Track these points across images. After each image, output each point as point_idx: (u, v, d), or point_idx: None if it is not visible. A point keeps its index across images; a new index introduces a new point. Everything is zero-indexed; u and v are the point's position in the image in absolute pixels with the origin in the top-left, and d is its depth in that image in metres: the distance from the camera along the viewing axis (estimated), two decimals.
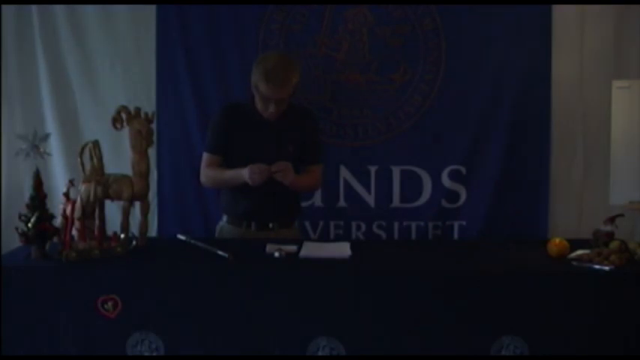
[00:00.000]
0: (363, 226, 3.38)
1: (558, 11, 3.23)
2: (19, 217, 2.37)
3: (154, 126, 2.60)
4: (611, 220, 2.53)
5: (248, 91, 3.31)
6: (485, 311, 2.18)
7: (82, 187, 2.45)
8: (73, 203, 2.42)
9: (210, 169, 2.88)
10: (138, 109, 2.51)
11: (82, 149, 2.45)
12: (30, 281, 2.23)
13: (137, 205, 2.58)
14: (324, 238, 3.33)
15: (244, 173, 2.68)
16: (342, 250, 2.49)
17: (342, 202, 3.38)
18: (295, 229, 3.06)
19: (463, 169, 3.31)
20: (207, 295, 2.22)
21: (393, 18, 3.27)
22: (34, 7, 3.34)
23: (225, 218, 2.98)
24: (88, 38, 3.36)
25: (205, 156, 2.90)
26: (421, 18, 3.26)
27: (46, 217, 2.35)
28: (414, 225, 3.37)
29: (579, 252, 2.37)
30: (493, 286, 2.19)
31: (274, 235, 2.82)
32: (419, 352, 2.18)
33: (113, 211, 2.68)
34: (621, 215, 2.57)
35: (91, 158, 2.44)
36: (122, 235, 2.47)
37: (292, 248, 2.48)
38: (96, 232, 2.41)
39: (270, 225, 2.88)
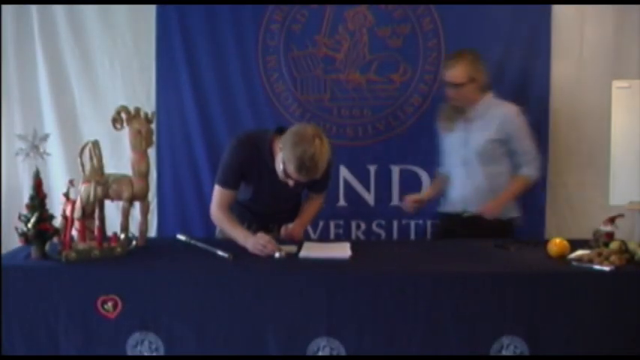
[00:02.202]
0: (363, 225, 3.39)
1: (558, 11, 3.24)
2: (19, 217, 2.37)
3: (153, 126, 2.60)
4: (611, 220, 2.53)
5: (248, 91, 3.33)
6: (486, 311, 2.18)
7: (82, 187, 2.45)
8: (73, 203, 2.42)
9: (221, 212, 2.67)
10: (138, 109, 2.51)
11: (82, 149, 2.45)
12: (30, 281, 2.23)
13: (137, 205, 2.58)
14: (324, 237, 3.34)
15: (248, 242, 2.50)
16: (342, 250, 2.49)
17: (341, 202, 3.40)
18: None
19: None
20: (207, 295, 2.22)
21: (393, 18, 3.27)
22: (33, 7, 3.35)
23: None
24: (88, 38, 3.37)
25: (218, 190, 2.67)
26: (421, 18, 3.26)
27: (45, 217, 2.35)
28: (412, 224, 3.39)
29: (579, 252, 2.37)
30: (493, 286, 2.19)
31: (274, 236, 2.80)
32: (419, 352, 2.18)
33: (113, 211, 2.68)
34: (621, 215, 2.57)
35: (91, 158, 2.44)
36: (122, 235, 2.47)
37: (292, 248, 2.48)
38: (96, 233, 2.40)
39: (270, 226, 2.87)
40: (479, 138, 2.91)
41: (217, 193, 2.68)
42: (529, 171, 2.93)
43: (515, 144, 2.92)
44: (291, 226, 2.79)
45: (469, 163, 2.95)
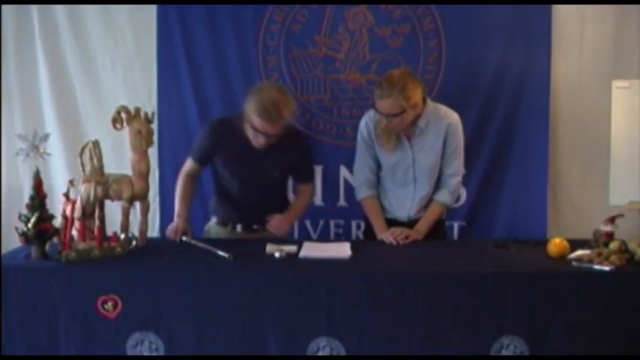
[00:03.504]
0: (363, 225, 3.38)
1: (558, 11, 3.23)
2: (19, 217, 2.37)
3: (154, 126, 2.60)
4: (611, 220, 2.54)
5: (247, 91, 3.32)
6: (486, 311, 2.18)
7: (82, 187, 2.45)
8: (73, 203, 2.42)
9: (182, 180, 2.91)
10: (138, 109, 2.51)
11: (82, 149, 2.45)
12: (30, 281, 2.23)
13: (137, 205, 2.58)
14: (324, 237, 3.34)
15: (175, 219, 2.78)
16: (342, 250, 2.49)
17: (342, 202, 3.39)
18: None
19: (463, 170, 3.31)
20: (207, 295, 2.22)
21: (393, 18, 3.27)
22: (34, 7, 3.35)
23: (214, 219, 3.02)
24: (89, 38, 3.36)
25: (188, 161, 2.92)
26: (421, 18, 3.26)
27: (46, 217, 2.36)
28: None
29: (579, 252, 2.37)
30: (493, 286, 2.19)
31: (260, 236, 2.86)
32: (419, 352, 2.18)
33: (113, 211, 2.68)
34: (621, 215, 2.57)
35: (91, 158, 2.44)
36: (122, 235, 2.47)
37: (292, 248, 2.48)
38: (96, 232, 2.41)
39: (255, 226, 2.91)
40: (429, 157, 2.81)
41: (187, 163, 2.92)
42: (446, 199, 2.85)
43: (447, 156, 2.83)
44: (278, 216, 2.81)
45: (417, 180, 2.85)
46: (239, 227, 2.91)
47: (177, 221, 2.76)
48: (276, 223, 2.80)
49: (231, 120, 2.81)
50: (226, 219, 2.94)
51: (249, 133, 2.70)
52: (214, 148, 2.82)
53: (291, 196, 3.13)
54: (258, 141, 2.70)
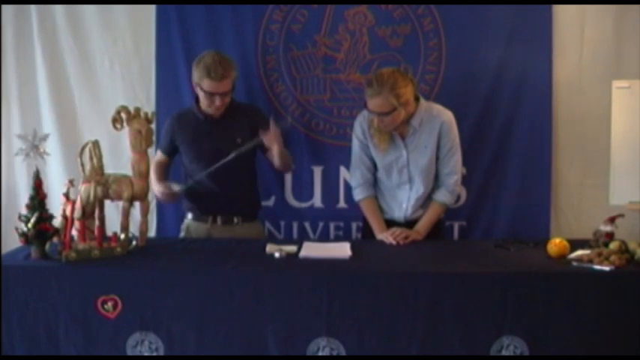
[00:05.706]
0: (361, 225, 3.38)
1: (558, 11, 3.24)
2: (19, 217, 2.37)
3: (153, 126, 2.61)
4: (611, 220, 2.54)
5: (248, 91, 3.33)
6: (485, 311, 2.18)
7: (82, 188, 2.45)
8: (73, 203, 2.42)
9: (155, 167, 2.99)
10: (137, 109, 2.51)
11: (82, 149, 2.45)
12: (30, 281, 2.23)
13: (137, 205, 2.58)
14: (324, 239, 3.33)
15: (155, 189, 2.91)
16: (342, 250, 2.49)
17: (342, 203, 3.38)
18: (258, 223, 3.14)
19: (463, 170, 3.31)
20: (207, 295, 2.22)
21: (393, 18, 3.27)
22: (33, 7, 3.35)
23: (190, 216, 3.04)
24: (88, 38, 3.36)
25: (157, 153, 3.05)
26: (421, 18, 3.26)
27: (45, 217, 2.35)
28: None
29: (579, 252, 2.37)
30: (493, 286, 2.19)
31: (240, 230, 2.93)
32: (419, 352, 2.18)
33: (113, 211, 2.68)
34: (621, 215, 2.57)
35: (91, 158, 2.44)
36: (122, 235, 2.47)
37: (292, 248, 2.48)
38: (96, 232, 2.41)
39: (235, 220, 2.96)
40: (424, 156, 2.80)
41: (156, 154, 3.05)
42: (445, 198, 2.84)
43: (443, 155, 2.82)
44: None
45: (413, 180, 2.85)
46: (219, 220, 2.96)
47: (159, 186, 2.88)
48: (272, 132, 2.77)
49: (188, 109, 3.02)
50: (204, 212, 2.97)
51: (205, 104, 2.86)
52: (176, 134, 2.97)
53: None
54: (215, 105, 2.84)
